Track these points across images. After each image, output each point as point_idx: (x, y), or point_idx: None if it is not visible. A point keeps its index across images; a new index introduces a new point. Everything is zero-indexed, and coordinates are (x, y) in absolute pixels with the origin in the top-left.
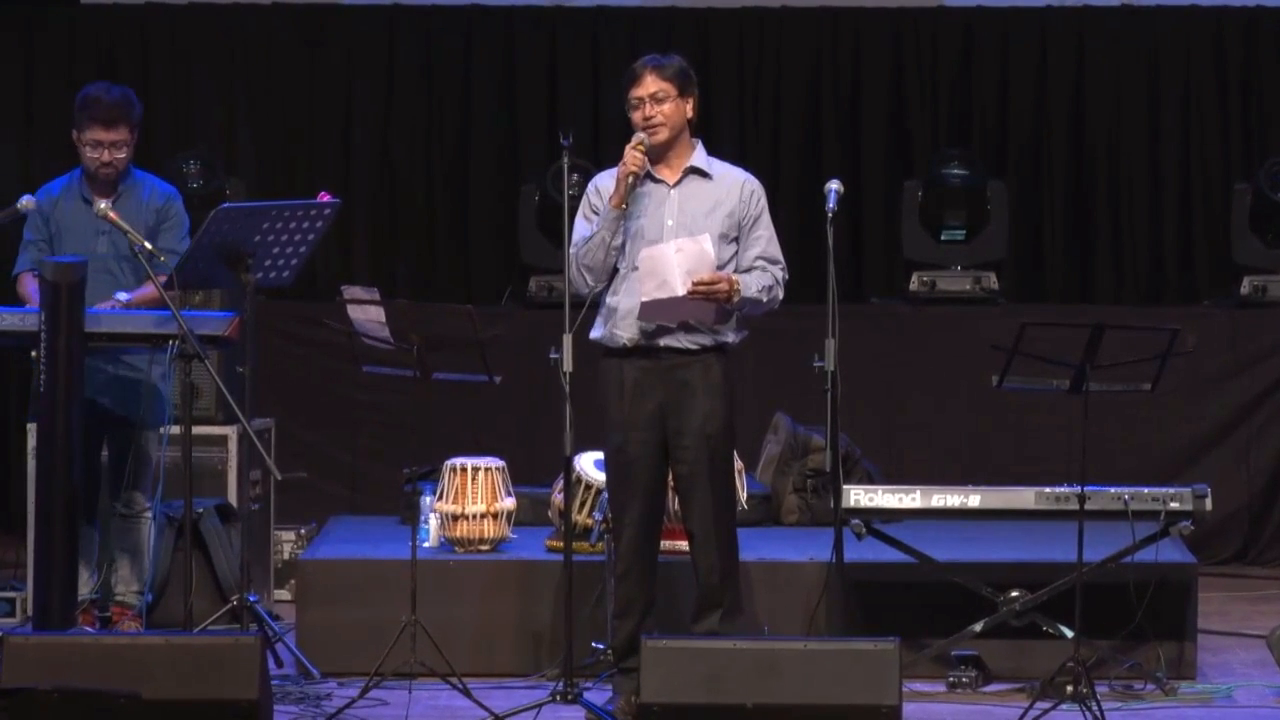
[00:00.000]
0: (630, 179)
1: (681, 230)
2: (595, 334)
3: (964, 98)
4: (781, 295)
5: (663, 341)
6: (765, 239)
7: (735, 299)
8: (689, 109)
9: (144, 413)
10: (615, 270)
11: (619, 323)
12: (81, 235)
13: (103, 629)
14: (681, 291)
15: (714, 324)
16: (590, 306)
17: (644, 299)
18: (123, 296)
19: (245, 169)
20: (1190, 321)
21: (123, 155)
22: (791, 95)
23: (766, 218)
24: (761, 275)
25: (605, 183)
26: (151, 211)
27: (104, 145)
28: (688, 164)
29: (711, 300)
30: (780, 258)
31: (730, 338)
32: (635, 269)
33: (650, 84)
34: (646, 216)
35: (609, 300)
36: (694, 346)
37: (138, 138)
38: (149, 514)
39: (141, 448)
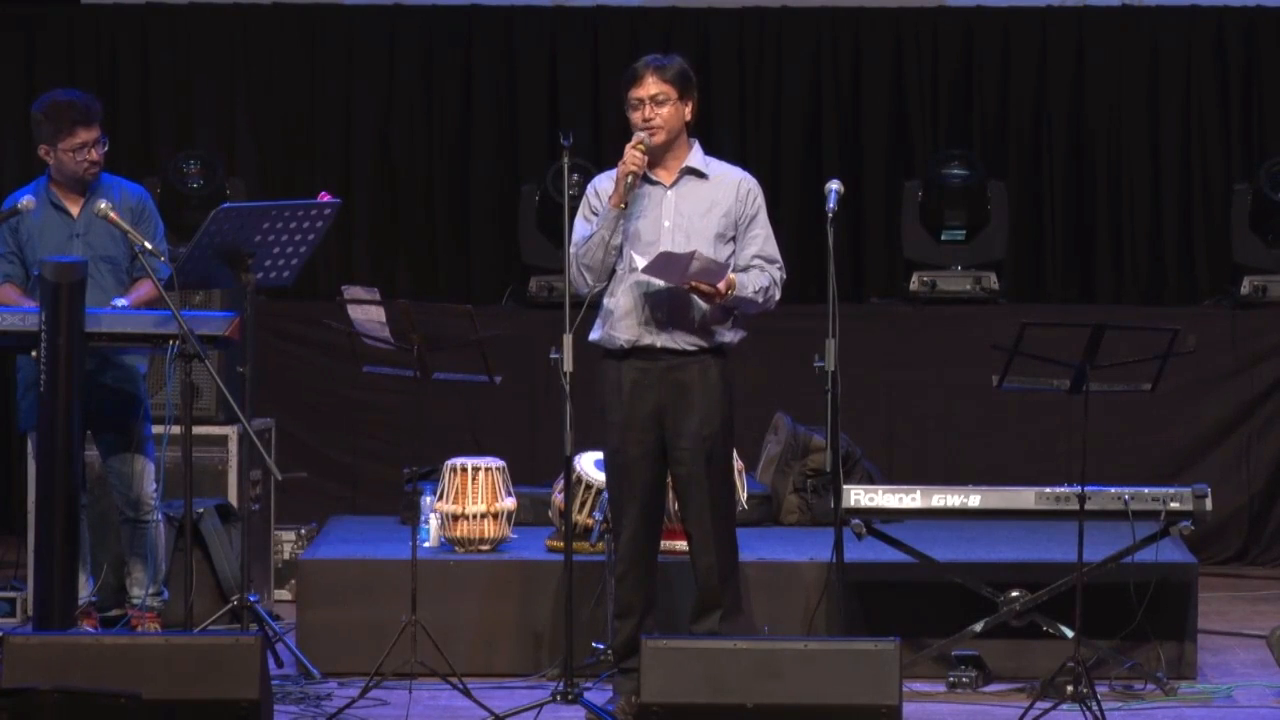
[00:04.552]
0: (630, 178)
1: (679, 231)
2: (594, 336)
3: (964, 98)
4: (778, 295)
5: (660, 343)
6: (762, 238)
7: (728, 296)
8: (688, 112)
9: (130, 412)
10: (613, 271)
11: (616, 324)
12: (55, 242)
13: (105, 630)
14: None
15: (711, 323)
16: (591, 307)
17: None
18: (120, 302)
19: (245, 169)
20: (1190, 321)
21: (104, 151)
22: (791, 95)
23: (764, 216)
24: (759, 275)
25: (604, 184)
26: (126, 211)
27: (89, 145)
28: (684, 164)
29: (704, 293)
30: (778, 256)
31: (728, 338)
32: (633, 270)
33: (651, 85)
34: (643, 218)
35: (607, 302)
36: (692, 348)
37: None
38: (157, 516)
39: (138, 451)
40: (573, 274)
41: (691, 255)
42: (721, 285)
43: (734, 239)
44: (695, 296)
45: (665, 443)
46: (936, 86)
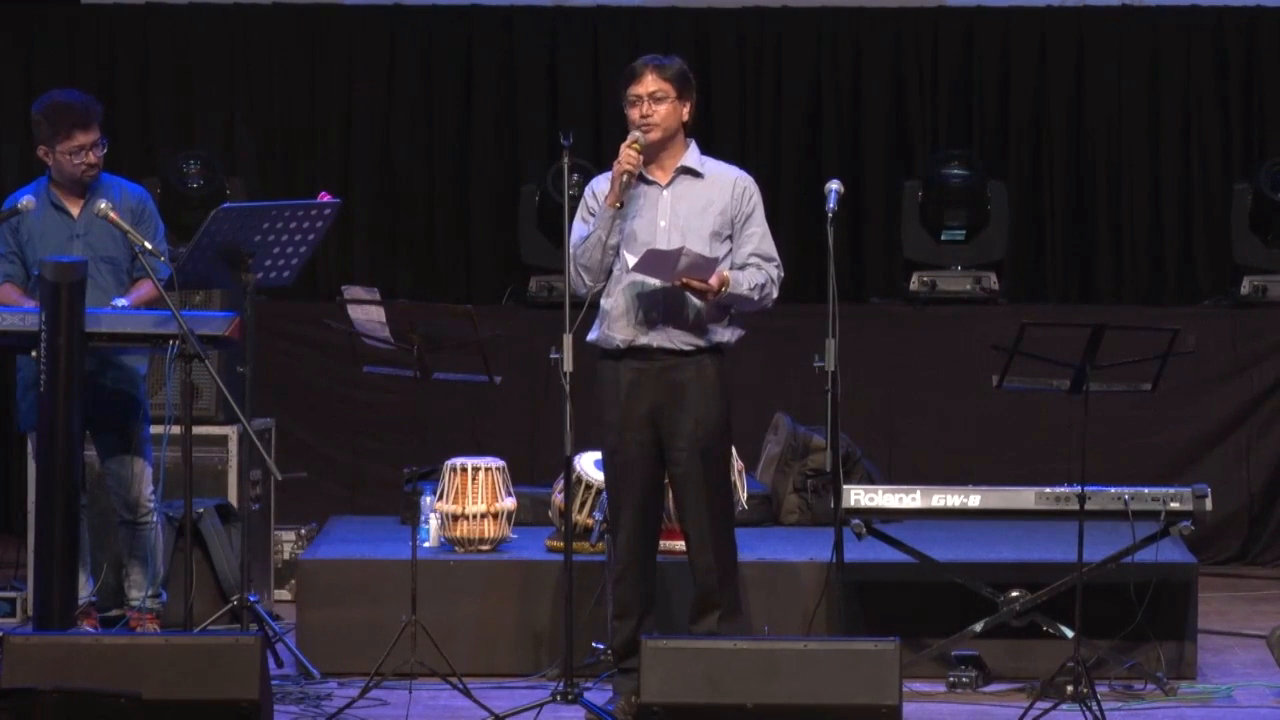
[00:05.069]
0: (625, 177)
1: (674, 231)
2: (592, 336)
3: (964, 98)
4: (775, 293)
5: (656, 343)
6: (759, 235)
7: (723, 293)
8: (685, 113)
9: (129, 413)
10: (610, 271)
11: (613, 324)
12: (55, 242)
13: (105, 630)
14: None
15: (708, 321)
16: (590, 307)
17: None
18: (121, 302)
19: (245, 169)
20: (1190, 321)
21: (103, 154)
22: (791, 95)
23: (760, 214)
24: (755, 273)
25: (602, 186)
26: (126, 211)
27: (86, 149)
28: (680, 164)
29: (695, 290)
30: (774, 254)
31: (725, 337)
32: (628, 271)
33: (650, 83)
34: (639, 218)
35: (604, 303)
36: (688, 348)
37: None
38: (154, 518)
39: (136, 453)
40: (571, 274)
41: (679, 251)
42: (714, 281)
43: (730, 237)
44: (691, 295)
45: (662, 443)
46: (936, 86)
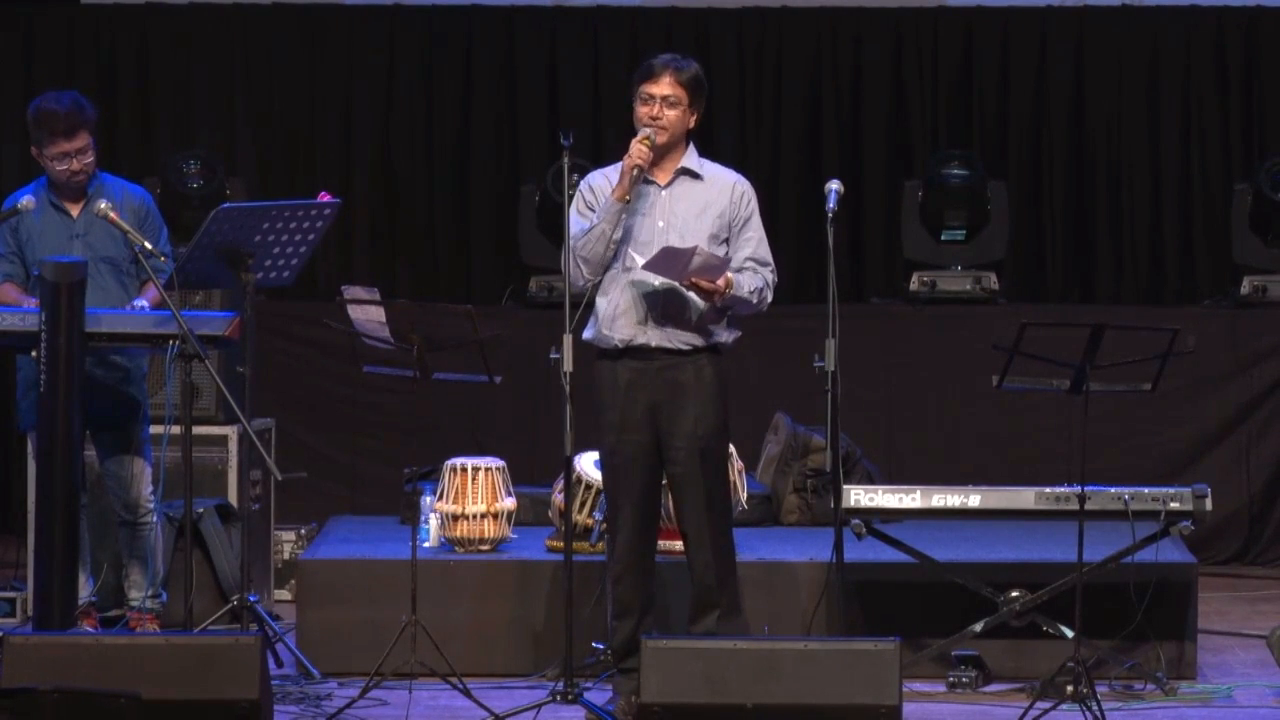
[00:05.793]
0: (635, 171)
1: (673, 231)
2: (588, 335)
3: (964, 98)
4: (770, 298)
5: (655, 342)
6: (755, 240)
7: (726, 294)
8: (693, 120)
9: (129, 413)
10: (607, 268)
11: (611, 323)
12: (55, 242)
13: (105, 630)
14: (680, 282)
15: (707, 322)
16: (587, 305)
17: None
18: (141, 303)
19: (245, 169)
20: (1190, 321)
21: (90, 160)
22: (791, 95)
23: (757, 219)
24: (753, 277)
25: (598, 181)
26: (129, 213)
27: (70, 155)
28: (679, 165)
29: (704, 290)
30: (770, 260)
31: (723, 337)
32: (627, 269)
33: (666, 85)
34: (638, 217)
35: (600, 301)
36: (686, 347)
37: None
38: (154, 518)
39: (136, 453)
40: (569, 267)
41: (693, 251)
42: (720, 282)
43: (727, 240)
44: (691, 295)
45: (660, 442)
46: (936, 86)
